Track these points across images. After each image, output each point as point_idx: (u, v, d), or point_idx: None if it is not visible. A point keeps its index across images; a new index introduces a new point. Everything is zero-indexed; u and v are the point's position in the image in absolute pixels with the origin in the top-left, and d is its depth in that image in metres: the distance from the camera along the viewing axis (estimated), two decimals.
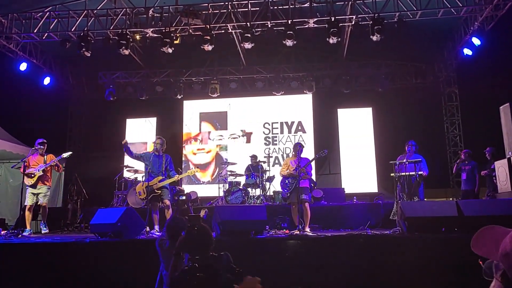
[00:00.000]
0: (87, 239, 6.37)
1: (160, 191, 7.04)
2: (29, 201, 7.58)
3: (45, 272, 5.48)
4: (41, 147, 7.76)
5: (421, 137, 10.69)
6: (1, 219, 10.19)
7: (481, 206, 6.27)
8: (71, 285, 5.54)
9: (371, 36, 8.67)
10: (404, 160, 7.56)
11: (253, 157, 10.34)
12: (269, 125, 12.75)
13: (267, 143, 12.59)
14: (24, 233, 7.35)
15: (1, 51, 9.93)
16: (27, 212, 7.63)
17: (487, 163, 8.85)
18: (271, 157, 10.86)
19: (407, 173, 7.46)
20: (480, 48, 9.38)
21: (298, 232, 6.62)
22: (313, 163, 7.38)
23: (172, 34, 9.17)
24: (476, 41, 9.35)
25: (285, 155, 12.20)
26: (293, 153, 7.39)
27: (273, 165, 11.63)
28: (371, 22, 8.70)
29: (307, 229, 6.88)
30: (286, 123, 12.68)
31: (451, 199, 10.45)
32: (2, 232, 7.55)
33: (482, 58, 9.65)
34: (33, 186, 7.62)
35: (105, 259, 5.67)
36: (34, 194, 7.62)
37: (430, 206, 6.30)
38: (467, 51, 9.76)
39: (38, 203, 7.72)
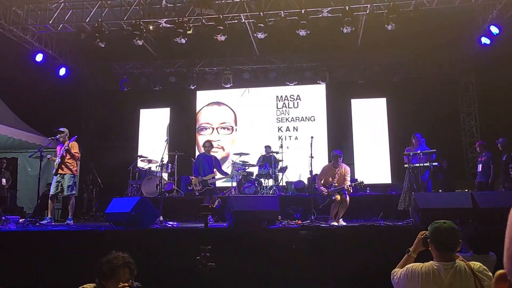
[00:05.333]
0: (102, 227, 6.49)
1: (211, 186, 8.36)
2: (52, 189, 7.69)
3: (60, 260, 5.59)
4: (57, 136, 7.88)
5: (436, 128, 10.55)
6: (19, 207, 10.43)
7: (497, 198, 6.17)
8: (85, 273, 5.65)
9: (386, 25, 8.54)
10: (418, 151, 7.49)
11: (267, 147, 10.35)
12: (281, 112, 12.69)
13: (280, 131, 12.52)
14: (43, 221, 7.48)
15: (17, 42, 10.05)
16: (49, 201, 7.78)
17: (500, 154, 8.62)
18: (282, 147, 10.78)
19: (421, 164, 7.39)
20: (499, 36, 9.16)
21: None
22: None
23: (185, 25, 9.17)
24: (494, 29, 9.11)
25: (296, 144, 12.07)
26: (332, 161, 7.37)
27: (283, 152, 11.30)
28: (386, 11, 8.57)
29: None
30: (299, 112, 12.62)
31: (466, 190, 10.31)
32: (20, 220, 7.72)
33: (500, 47, 9.40)
34: (56, 174, 7.72)
35: (119, 248, 5.75)
36: (57, 182, 7.67)
37: (445, 198, 6.24)
38: (485, 40, 9.52)
39: (64, 195, 7.78)
